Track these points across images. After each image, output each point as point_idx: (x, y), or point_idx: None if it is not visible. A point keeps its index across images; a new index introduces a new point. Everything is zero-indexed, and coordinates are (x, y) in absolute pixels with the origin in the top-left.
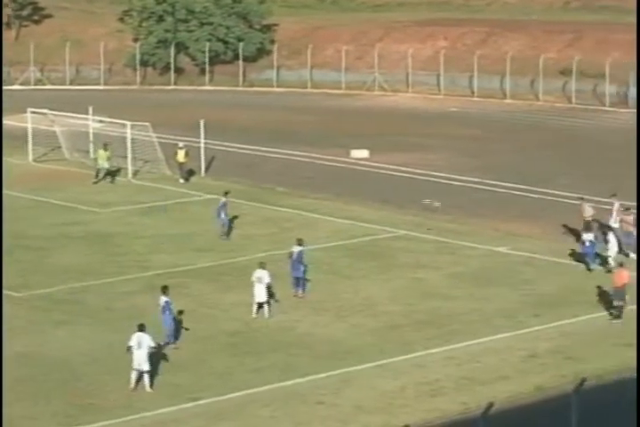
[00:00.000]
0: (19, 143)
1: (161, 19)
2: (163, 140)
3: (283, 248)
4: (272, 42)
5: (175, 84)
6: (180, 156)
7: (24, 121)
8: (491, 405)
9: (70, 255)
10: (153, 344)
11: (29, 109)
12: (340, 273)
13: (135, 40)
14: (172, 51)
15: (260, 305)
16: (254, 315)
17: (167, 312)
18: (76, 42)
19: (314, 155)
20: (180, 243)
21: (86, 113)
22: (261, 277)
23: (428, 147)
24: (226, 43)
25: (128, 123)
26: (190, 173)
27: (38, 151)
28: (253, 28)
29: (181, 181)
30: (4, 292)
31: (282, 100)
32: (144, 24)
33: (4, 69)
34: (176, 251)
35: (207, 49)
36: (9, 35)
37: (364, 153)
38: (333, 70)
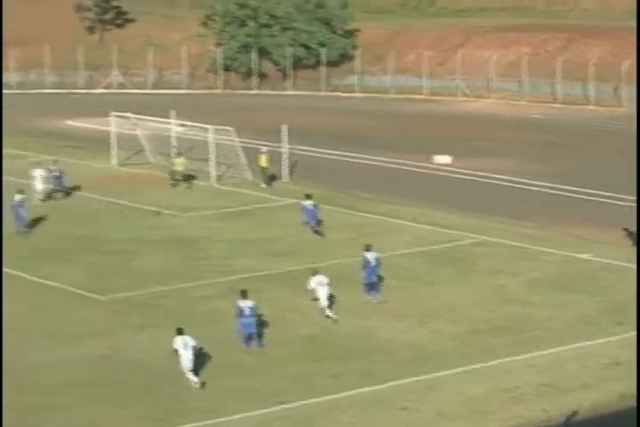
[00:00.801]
0: (102, 147)
1: (243, 23)
2: (245, 145)
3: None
4: (354, 47)
5: (258, 88)
6: (263, 160)
7: (107, 125)
8: (575, 413)
9: (151, 259)
10: (195, 344)
11: (113, 113)
12: (420, 279)
13: (218, 45)
14: (255, 56)
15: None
16: (333, 315)
17: (243, 316)
18: (159, 46)
19: (396, 160)
20: (260, 247)
21: (169, 117)
22: (322, 281)
23: (509, 153)
24: (308, 48)
25: (211, 127)
26: (272, 177)
27: (122, 155)
28: (336, 33)
29: (263, 185)
30: (87, 294)
31: (364, 106)
32: (227, 29)
33: (88, 73)
34: (256, 255)
35: (290, 54)
36: (92, 39)
37: (446, 159)
38: (415, 76)
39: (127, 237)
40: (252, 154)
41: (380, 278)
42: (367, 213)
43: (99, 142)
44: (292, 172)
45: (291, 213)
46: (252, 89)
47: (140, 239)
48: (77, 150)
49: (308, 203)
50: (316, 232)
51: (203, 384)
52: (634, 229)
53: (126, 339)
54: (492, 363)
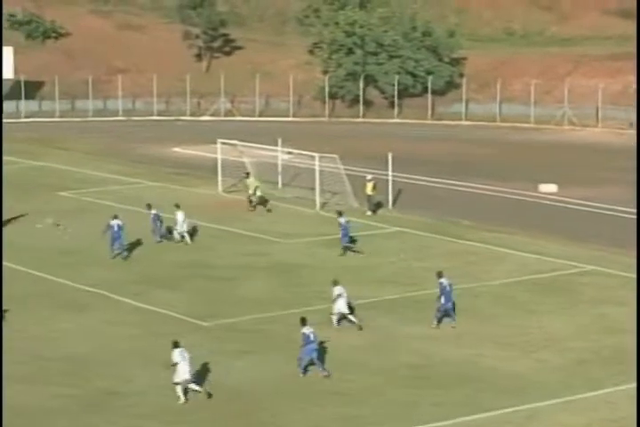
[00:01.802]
0: (208, 174)
1: (350, 51)
2: (350, 173)
3: (467, 282)
4: (461, 75)
5: (364, 116)
6: (368, 188)
7: (213, 152)
8: None
9: (254, 285)
10: (189, 354)
11: (219, 140)
12: (524, 308)
13: (324, 72)
14: (361, 83)
15: (344, 317)
16: (336, 325)
17: (308, 342)
18: (266, 73)
19: (501, 188)
20: (362, 275)
21: (275, 144)
22: (342, 292)
23: (616, 182)
24: (415, 76)
25: (316, 155)
26: (378, 205)
27: (227, 182)
28: (442, 61)
29: (369, 213)
30: (190, 320)
31: (470, 134)
32: (333, 56)
33: (195, 101)
34: (358, 283)
35: (396, 82)
36: (200, 66)
37: (552, 187)
38: (522, 104)
39: (231, 263)
40: (357, 182)
41: (454, 304)
42: (471, 241)
43: (205, 169)
44: (396, 200)
45: (395, 241)
46: (357, 117)
47: (244, 266)
48: (184, 177)
49: (342, 219)
50: (346, 248)
51: (209, 395)
52: None
53: (227, 365)
54: (596, 393)
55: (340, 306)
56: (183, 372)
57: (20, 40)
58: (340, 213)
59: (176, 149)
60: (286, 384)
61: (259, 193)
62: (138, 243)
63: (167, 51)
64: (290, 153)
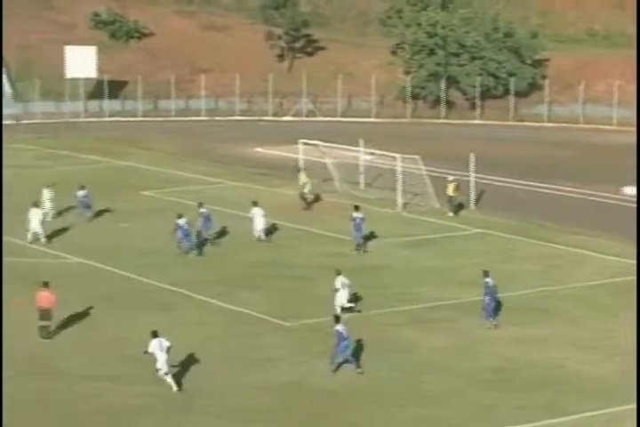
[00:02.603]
0: (290, 174)
1: (432, 52)
2: (432, 174)
3: (552, 284)
4: (543, 77)
5: (445, 117)
6: (450, 189)
7: (295, 152)
8: None
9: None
10: (170, 345)
11: (301, 141)
12: (608, 311)
13: (406, 73)
14: (443, 84)
15: (344, 309)
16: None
17: (342, 339)
18: (348, 74)
19: (583, 191)
20: (444, 276)
21: (356, 145)
22: (345, 282)
23: None
24: (497, 77)
25: (398, 156)
26: (460, 206)
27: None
28: (525, 62)
29: (450, 214)
30: (272, 320)
31: (552, 136)
32: (415, 57)
33: (277, 101)
34: (440, 284)
35: (478, 83)
36: (282, 66)
37: (635, 190)
38: (605, 105)
39: (311, 263)
40: (438, 183)
41: (500, 303)
42: (554, 244)
43: (286, 170)
44: (478, 201)
45: (477, 242)
46: (439, 118)
47: (324, 266)
48: (265, 177)
49: (356, 215)
50: (358, 247)
51: (180, 387)
52: None
53: (309, 365)
54: None
55: (340, 298)
56: (160, 362)
57: (103, 40)
58: (356, 208)
59: (258, 149)
60: (367, 385)
61: (306, 190)
62: (231, 242)
63: (250, 51)
64: (372, 154)
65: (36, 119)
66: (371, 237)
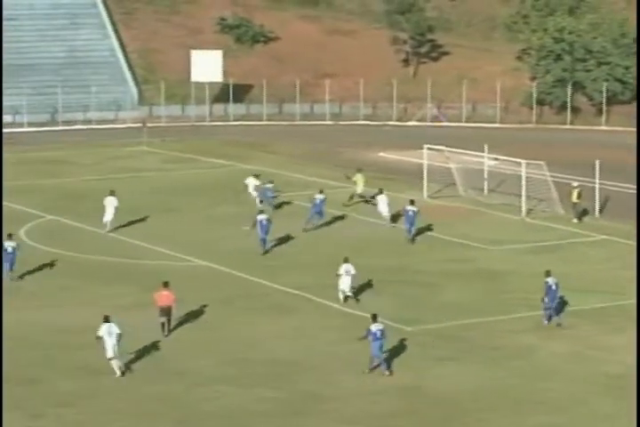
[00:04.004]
0: (413, 179)
1: (559, 57)
2: (557, 180)
3: None
4: None
5: (571, 123)
6: (574, 195)
7: (419, 157)
8: None
9: (458, 292)
10: (119, 331)
11: (425, 146)
12: None
13: (532, 79)
14: (569, 90)
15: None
16: (342, 301)
17: (375, 340)
18: (472, 79)
19: None
20: (567, 282)
21: (481, 150)
22: (349, 270)
23: None
24: (624, 83)
25: (523, 161)
26: (584, 213)
27: (432, 187)
28: None
29: (574, 220)
30: (394, 325)
31: None
32: (541, 63)
33: (401, 106)
34: (563, 290)
35: (604, 89)
36: (407, 71)
37: None
38: None
39: (434, 269)
40: (563, 189)
41: (562, 303)
42: None
43: (410, 174)
44: (603, 208)
45: (601, 249)
46: (565, 124)
47: (448, 272)
48: (389, 182)
49: (410, 208)
50: (410, 240)
51: (123, 373)
52: None
53: (430, 371)
54: None
55: (343, 284)
56: (108, 347)
57: (229, 44)
58: (411, 202)
59: (382, 154)
60: (487, 391)
61: (359, 191)
62: (345, 246)
63: (375, 56)
64: (496, 159)
65: (161, 122)
66: (495, 242)
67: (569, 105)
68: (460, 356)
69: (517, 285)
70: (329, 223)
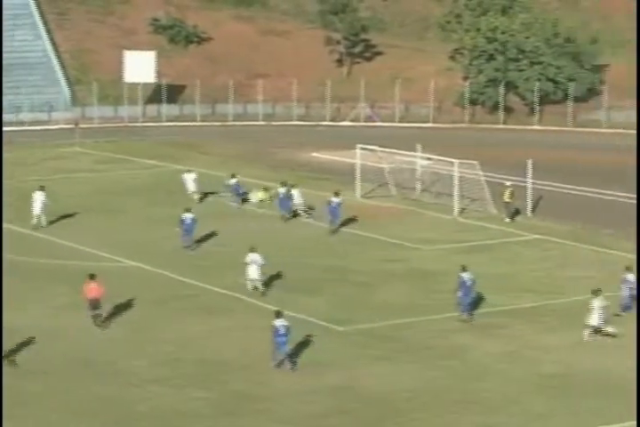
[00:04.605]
0: (346, 179)
1: (492, 57)
2: (489, 179)
3: (608, 291)
4: (602, 82)
5: (504, 123)
6: (507, 195)
7: (352, 157)
8: None
9: (392, 291)
10: None
11: (358, 146)
12: None
13: (465, 78)
14: (502, 90)
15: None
16: (250, 289)
17: (278, 336)
18: (406, 79)
19: None
20: (500, 282)
21: (414, 150)
22: (256, 260)
23: None
24: (556, 82)
25: (456, 161)
26: (516, 212)
27: (366, 187)
28: (584, 68)
29: (507, 220)
30: (328, 325)
31: (611, 142)
32: (474, 62)
33: (336, 106)
34: (498, 291)
35: (537, 88)
36: (341, 71)
37: None
38: None
39: (368, 269)
40: (496, 188)
41: (477, 301)
42: (611, 250)
43: (343, 175)
44: (535, 207)
45: (533, 249)
46: (498, 123)
47: (381, 271)
48: (322, 182)
49: (334, 200)
50: (332, 232)
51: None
52: None
53: (363, 371)
54: None
55: (251, 272)
56: None
57: (163, 44)
58: (336, 194)
59: (315, 154)
60: (421, 391)
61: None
62: (275, 247)
63: (308, 56)
64: (429, 159)
65: (94, 124)
66: (427, 242)
67: (501, 105)
68: (394, 356)
69: (450, 284)
70: (264, 224)
